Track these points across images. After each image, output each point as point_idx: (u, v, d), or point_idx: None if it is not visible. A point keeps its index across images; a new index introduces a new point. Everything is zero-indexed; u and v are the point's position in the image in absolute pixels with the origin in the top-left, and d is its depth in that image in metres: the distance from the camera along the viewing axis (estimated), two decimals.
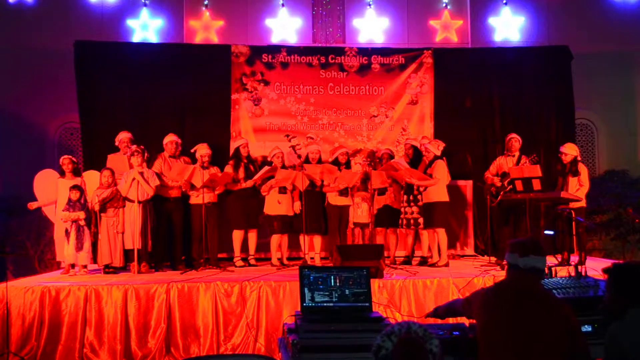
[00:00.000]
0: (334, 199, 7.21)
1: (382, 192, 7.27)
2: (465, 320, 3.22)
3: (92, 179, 6.94)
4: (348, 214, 7.31)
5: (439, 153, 7.00)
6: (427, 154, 7.03)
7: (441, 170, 6.90)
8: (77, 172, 6.83)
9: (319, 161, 7.35)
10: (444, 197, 6.92)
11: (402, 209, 7.13)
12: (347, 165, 7.43)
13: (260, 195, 7.19)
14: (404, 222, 7.10)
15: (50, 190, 6.84)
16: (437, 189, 6.87)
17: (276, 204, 7.11)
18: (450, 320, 3.86)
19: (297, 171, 7.02)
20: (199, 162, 6.88)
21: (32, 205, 6.94)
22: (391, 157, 7.52)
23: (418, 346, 1.81)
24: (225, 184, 7.08)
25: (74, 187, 6.42)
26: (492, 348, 2.57)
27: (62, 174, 6.75)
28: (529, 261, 2.70)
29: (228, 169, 7.17)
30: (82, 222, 6.34)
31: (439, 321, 4.06)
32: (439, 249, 6.97)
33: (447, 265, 6.82)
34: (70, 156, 6.90)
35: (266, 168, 7.03)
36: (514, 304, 2.61)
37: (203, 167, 6.84)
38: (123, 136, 7.17)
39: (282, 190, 7.12)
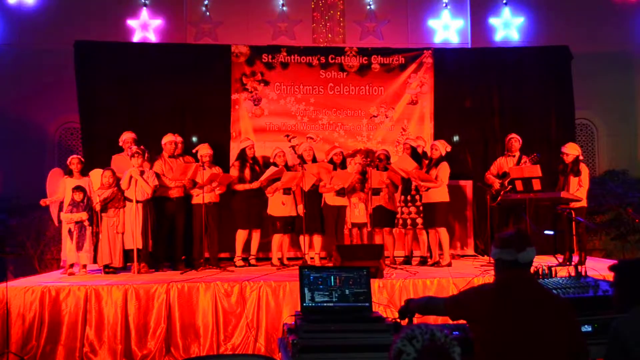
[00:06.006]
0: (331, 199, 7.21)
1: (376, 192, 7.21)
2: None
3: (93, 178, 6.90)
4: (345, 214, 7.30)
5: (444, 153, 7.00)
6: (434, 152, 7.01)
7: (446, 172, 6.90)
8: (84, 172, 6.83)
9: (314, 159, 7.34)
10: (445, 197, 6.93)
11: (399, 209, 7.13)
12: (343, 165, 7.41)
13: (265, 195, 7.18)
14: (400, 222, 7.10)
15: (60, 189, 6.79)
16: (439, 190, 6.88)
17: (280, 205, 7.11)
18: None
19: (300, 172, 7.03)
20: (200, 162, 6.88)
21: (45, 202, 6.75)
22: (387, 157, 7.51)
23: (445, 356, 1.70)
24: (229, 185, 7.08)
25: (77, 188, 6.41)
26: (498, 350, 2.44)
27: (70, 173, 6.74)
28: (527, 255, 2.52)
29: (234, 170, 7.18)
30: (86, 223, 6.35)
31: (439, 321, 4.06)
32: (440, 249, 6.98)
33: (449, 265, 6.82)
34: (79, 156, 6.90)
35: (272, 169, 7.03)
36: (524, 303, 2.46)
37: (204, 167, 6.84)
38: (127, 136, 7.15)
39: (287, 191, 7.12)
